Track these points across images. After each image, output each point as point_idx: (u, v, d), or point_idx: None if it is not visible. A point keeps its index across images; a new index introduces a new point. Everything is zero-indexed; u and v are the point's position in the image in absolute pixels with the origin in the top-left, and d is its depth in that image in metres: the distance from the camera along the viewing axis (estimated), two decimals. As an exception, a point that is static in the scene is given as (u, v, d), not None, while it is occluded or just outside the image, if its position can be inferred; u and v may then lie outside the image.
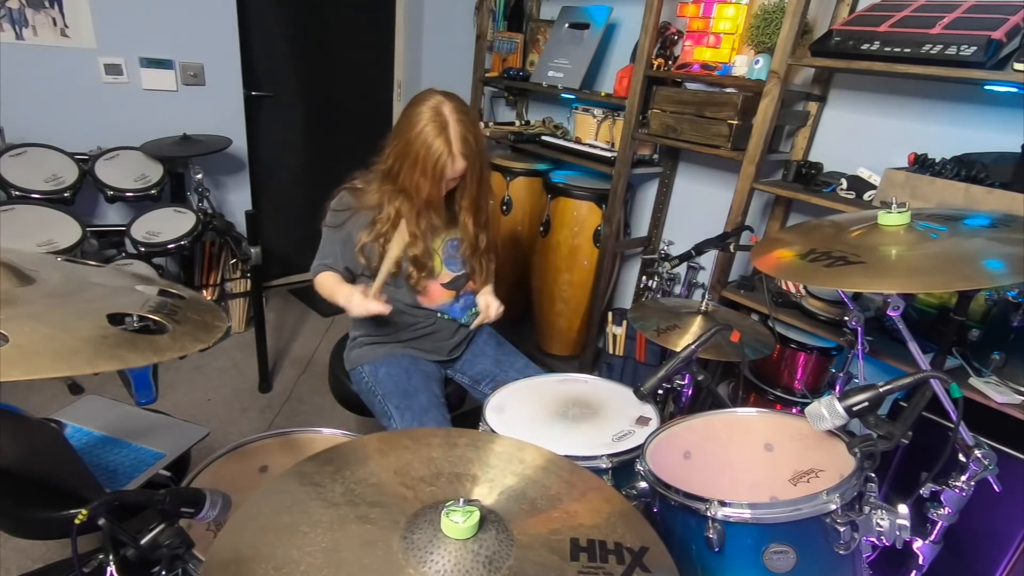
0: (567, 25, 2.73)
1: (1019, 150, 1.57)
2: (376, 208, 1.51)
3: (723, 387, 2.18)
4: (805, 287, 1.85)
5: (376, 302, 1.40)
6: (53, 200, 2.19)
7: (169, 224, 2.39)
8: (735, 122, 2.00)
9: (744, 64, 2.08)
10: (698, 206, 2.58)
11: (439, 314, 1.63)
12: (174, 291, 0.90)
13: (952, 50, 1.48)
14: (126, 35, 2.50)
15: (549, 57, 2.76)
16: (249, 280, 2.75)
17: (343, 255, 1.55)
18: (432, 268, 1.57)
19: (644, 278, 2.73)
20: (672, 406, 1.53)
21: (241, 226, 2.40)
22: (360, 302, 1.39)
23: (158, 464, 1.23)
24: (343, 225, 1.54)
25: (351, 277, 1.57)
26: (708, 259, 2.06)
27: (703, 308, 1.62)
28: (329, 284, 1.53)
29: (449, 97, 1.42)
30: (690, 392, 1.43)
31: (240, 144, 2.91)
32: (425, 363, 1.62)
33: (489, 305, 1.60)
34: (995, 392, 1.48)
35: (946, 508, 1.00)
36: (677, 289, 2.37)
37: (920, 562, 1.02)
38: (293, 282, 3.52)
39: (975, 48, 1.44)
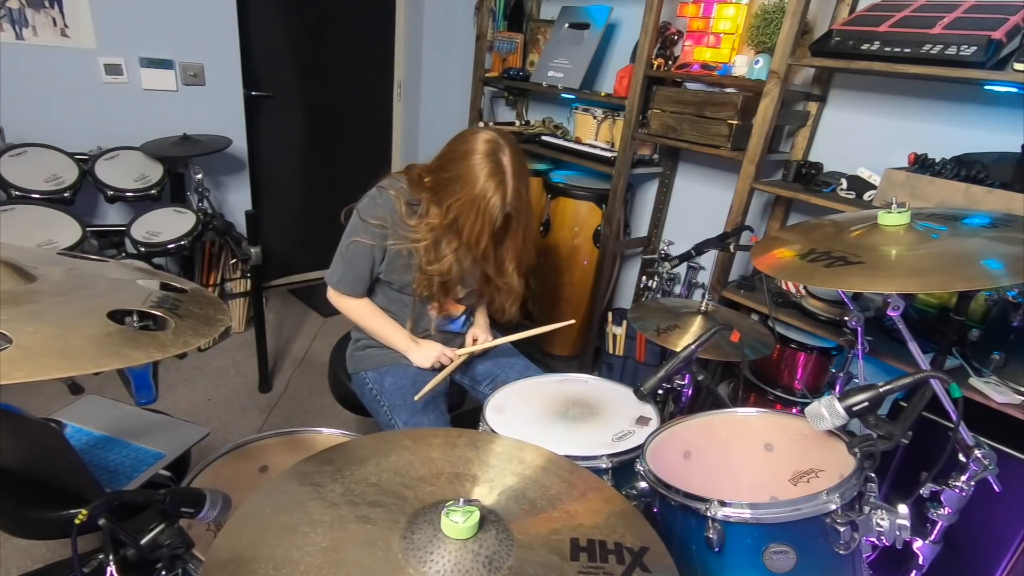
0: (567, 25, 2.73)
1: (1019, 150, 1.57)
2: (425, 243, 1.46)
3: (723, 387, 2.18)
4: (805, 287, 1.85)
5: (449, 352, 1.54)
6: (53, 200, 2.19)
7: (169, 224, 2.39)
8: (735, 122, 2.00)
9: (744, 64, 2.08)
10: (698, 206, 2.58)
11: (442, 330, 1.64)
12: (176, 285, 0.89)
13: (952, 50, 1.48)
14: (126, 35, 2.50)
15: (549, 57, 2.76)
16: (249, 280, 2.75)
17: (377, 268, 1.51)
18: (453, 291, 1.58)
19: (644, 278, 2.73)
20: (672, 406, 1.53)
21: (241, 226, 2.40)
22: (430, 357, 1.54)
23: (158, 464, 1.23)
24: (384, 239, 1.47)
25: (371, 286, 1.55)
26: (708, 259, 2.06)
27: (703, 308, 1.62)
28: (372, 321, 1.55)
29: (506, 141, 1.39)
30: (690, 392, 1.43)
31: (240, 144, 2.91)
32: (430, 373, 1.58)
33: (476, 338, 1.65)
34: (995, 392, 1.48)
35: (946, 508, 1.00)
36: (677, 289, 2.37)
37: (920, 562, 1.02)
38: (293, 282, 3.52)
39: (975, 48, 1.44)
